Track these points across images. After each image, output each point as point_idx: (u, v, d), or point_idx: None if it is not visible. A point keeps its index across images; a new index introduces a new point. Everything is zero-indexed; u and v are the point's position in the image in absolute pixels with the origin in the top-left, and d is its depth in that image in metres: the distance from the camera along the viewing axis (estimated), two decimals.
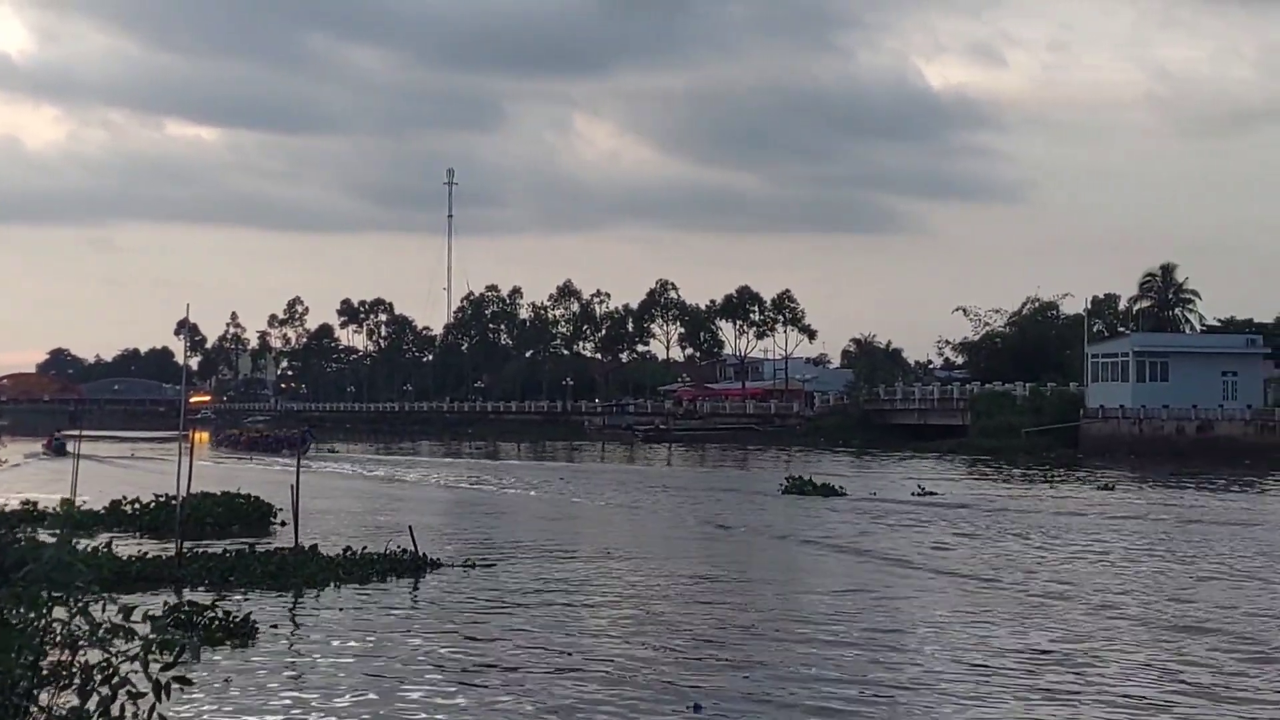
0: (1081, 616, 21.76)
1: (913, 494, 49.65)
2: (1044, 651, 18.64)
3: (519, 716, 14.92)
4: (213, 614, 18.98)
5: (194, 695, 14.31)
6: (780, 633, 19.83)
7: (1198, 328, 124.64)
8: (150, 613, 9.26)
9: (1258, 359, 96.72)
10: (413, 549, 27.26)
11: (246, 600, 22.29)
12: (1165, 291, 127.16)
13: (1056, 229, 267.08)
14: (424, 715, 14.97)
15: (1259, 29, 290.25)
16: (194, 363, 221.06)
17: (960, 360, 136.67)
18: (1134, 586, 25.49)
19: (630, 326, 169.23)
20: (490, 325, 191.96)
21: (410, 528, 28.72)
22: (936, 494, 49.60)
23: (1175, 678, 17.07)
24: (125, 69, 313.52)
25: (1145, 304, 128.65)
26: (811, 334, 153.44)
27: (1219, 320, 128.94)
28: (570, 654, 18.21)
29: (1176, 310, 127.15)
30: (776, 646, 18.75)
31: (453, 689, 16.12)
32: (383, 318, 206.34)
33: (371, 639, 19.22)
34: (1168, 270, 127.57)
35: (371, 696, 15.72)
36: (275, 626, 19.82)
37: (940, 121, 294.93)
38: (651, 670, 17.17)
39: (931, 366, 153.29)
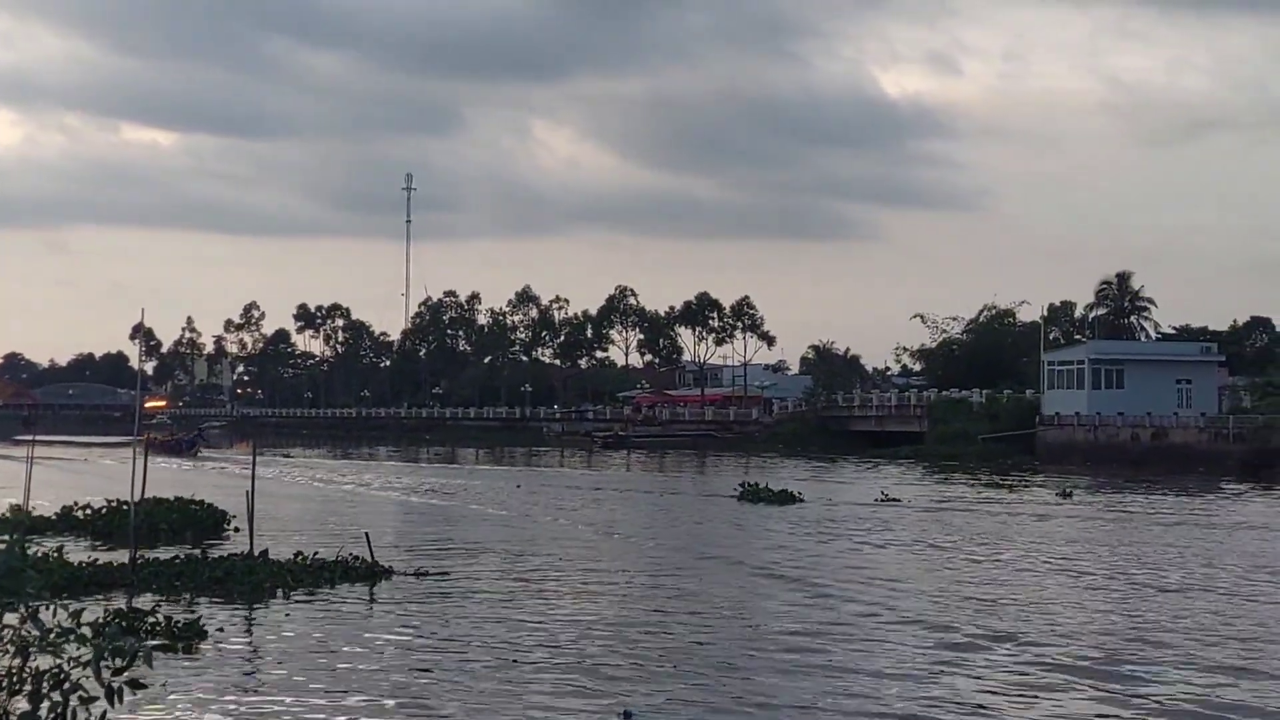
0: (1037, 635, 21.83)
1: (875, 500, 49.64)
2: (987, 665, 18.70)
3: None
4: (154, 619, 18.80)
5: (137, 701, 14.16)
6: (720, 645, 19.72)
7: (1153, 335, 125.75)
8: (95, 619, 9.13)
9: (1212, 366, 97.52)
10: (366, 556, 27.09)
11: (197, 607, 22.20)
12: (1121, 299, 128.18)
13: (1013, 237, 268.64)
14: None
15: (1212, 40, 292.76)
16: (149, 367, 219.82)
17: (918, 367, 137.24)
18: (1104, 608, 25.61)
19: (589, 332, 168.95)
20: (448, 331, 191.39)
21: (367, 534, 28.59)
22: (899, 501, 49.54)
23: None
24: (82, 73, 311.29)
25: (1101, 312, 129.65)
26: (770, 340, 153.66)
27: (1174, 328, 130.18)
28: (515, 661, 18.27)
29: (1132, 318, 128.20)
30: (714, 657, 18.70)
31: (392, 698, 16.13)
32: (340, 323, 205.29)
33: (317, 647, 19.15)
34: (1123, 278, 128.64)
35: (313, 702, 15.71)
36: (222, 631, 19.71)
37: (897, 130, 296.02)
38: (588, 677, 17.22)
39: (889, 373, 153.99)
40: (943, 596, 24.80)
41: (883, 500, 49.43)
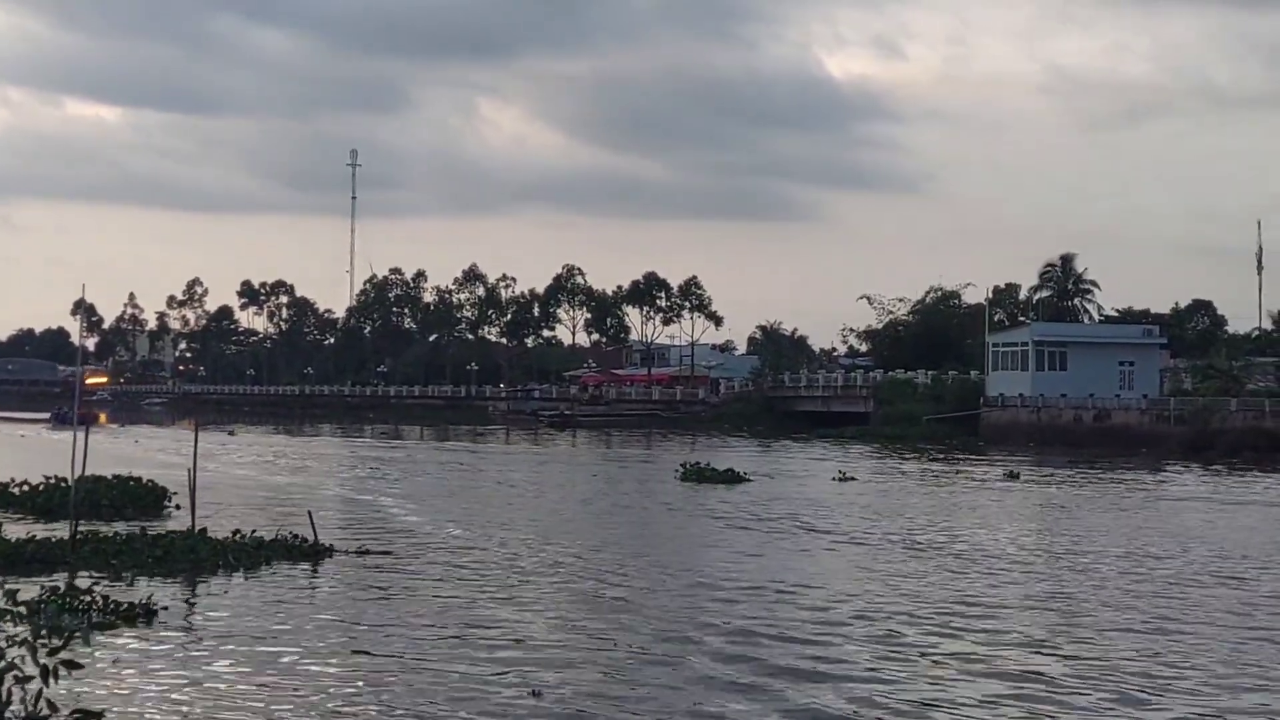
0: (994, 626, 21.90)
1: (833, 479, 49.45)
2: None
3: (363, 699, 14.98)
4: (89, 598, 18.52)
5: (82, 681, 13.96)
6: (644, 630, 19.38)
7: (1096, 318, 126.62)
8: (29, 598, 8.92)
9: (1154, 349, 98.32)
10: (308, 534, 26.83)
11: (138, 584, 21.94)
12: (1065, 281, 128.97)
13: (958, 219, 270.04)
14: (276, 696, 14.99)
15: (1151, 26, 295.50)
16: (91, 343, 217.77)
17: (864, 348, 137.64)
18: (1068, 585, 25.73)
19: (536, 311, 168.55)
20: (394, 309, 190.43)
21: (310, 513, 28.33)
22: (855, 479, 49.49)
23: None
24: (25, 47, 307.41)
25: (1045, 294, 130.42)
26: (718, 320, 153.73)
27: (1117, 310, 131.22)
28: (457, 638, 18.21)
29: (1075, 300, 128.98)
30: (637, 643, 18.34)
31: (334, 676, 16.04)
32: (284, 300, 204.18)
33: (259, 626, 18.98)
34: (1067, 260, 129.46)
35: (255, 680, 15.63)
36: (166, 609, 19.44)
37: (842, 112, 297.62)
38: (504, 657, 17.11)
39: (836, 354, 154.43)
40: (880, 579, 24.88)
41: (840, 479, 49.23)
